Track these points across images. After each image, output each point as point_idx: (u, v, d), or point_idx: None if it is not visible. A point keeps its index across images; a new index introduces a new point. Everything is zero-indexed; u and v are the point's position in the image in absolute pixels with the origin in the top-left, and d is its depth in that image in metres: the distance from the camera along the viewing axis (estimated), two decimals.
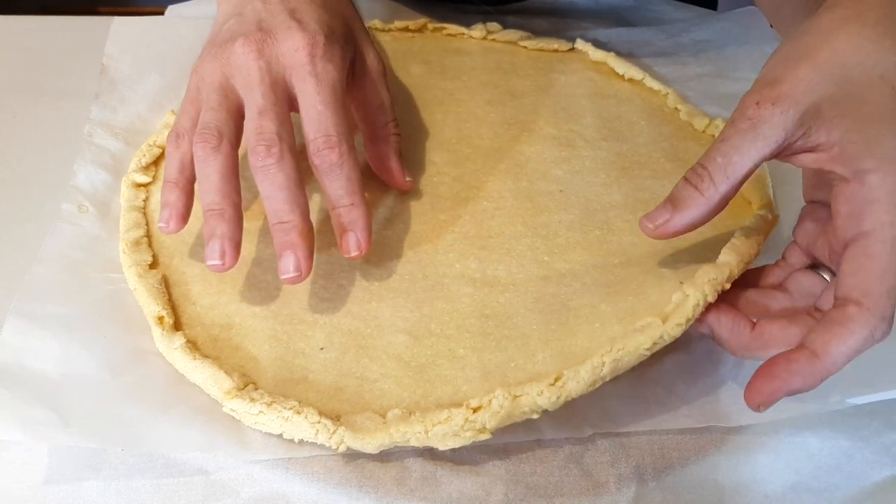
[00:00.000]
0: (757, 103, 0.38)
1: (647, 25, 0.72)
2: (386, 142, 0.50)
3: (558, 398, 0.38)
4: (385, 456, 0.40)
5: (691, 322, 0.40)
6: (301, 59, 0.44)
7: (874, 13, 0.38)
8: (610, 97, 0.62)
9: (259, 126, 0.42)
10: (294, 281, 0.42)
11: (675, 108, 0.61)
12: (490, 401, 0.38)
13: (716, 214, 0.40)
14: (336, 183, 0.43)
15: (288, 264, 0.42)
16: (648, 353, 0.39)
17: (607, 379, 0.39)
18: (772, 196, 0.50)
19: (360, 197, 0.44)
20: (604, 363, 0.39)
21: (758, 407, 0.37)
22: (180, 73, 0.60)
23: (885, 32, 0.37)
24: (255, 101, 0.43)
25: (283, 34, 0.44)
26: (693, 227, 0.40)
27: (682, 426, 0.42)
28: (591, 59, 0.66)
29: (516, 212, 0.51)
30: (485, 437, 0.38)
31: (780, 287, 0.42)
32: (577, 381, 0.38)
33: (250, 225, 0.49)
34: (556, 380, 0.39)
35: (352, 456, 0.40)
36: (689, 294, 0.40)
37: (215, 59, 0.44)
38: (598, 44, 0.66)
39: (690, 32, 0.70)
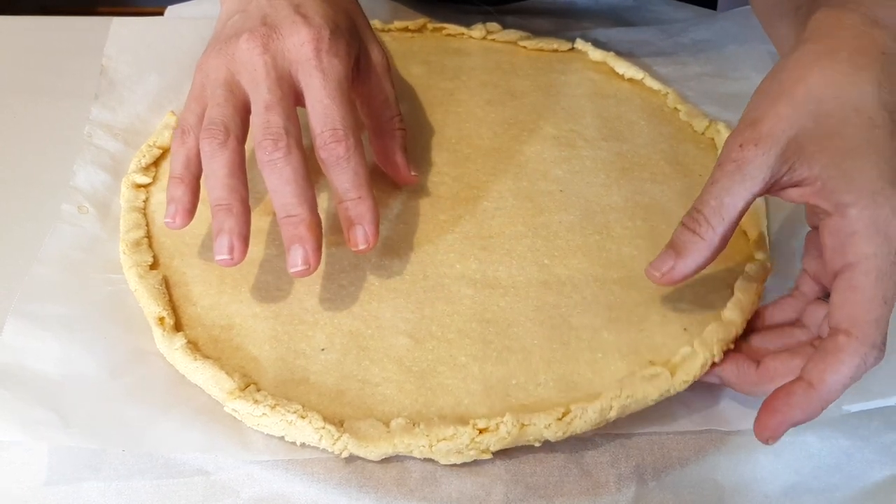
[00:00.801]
0: (741, 145, 0.39)
1: (646, 25, 0.72)
2: (391, 136, 0.50)
3: (564, 433, 0.39)
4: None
5: (697, 378, 0.41)
6: (307, 53, 0.44)
7: (847, 48, 0.39)
8: (610, 97, 0.62)
9: (266, 121, 0.42)
10: (302, 274, 0.42)
11: (675, 108, 0.61)
12: (498, 426, 0.39)
13: (718, 254, 0.41)
14: (343, 176, 0.43)
15: (296, 258, 0.41)
16: (654, 403, 0.41)
17: (611, 420, 0.40)
18: (765, 227, 0.50)
19: (368, 190, 0.44)
20: (612, 406, 0.40)
21: (767, 441, 0.38)
22: (180, 73, 0.60)
23: (858, 65, 0.38)
24: (262, 97, 0.43)
25: (288, 29, 0.44)
26: (698, 270, 0.41)
27: (682, 429, 0.42)
28: (591, 58, 0.66)
29: (516, 212, 0.52)
30: (487, 457, 0.39)
31: (797, 323, 0.43)
32: (584, 420, 0.39)
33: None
34: (565, 414, 0.40)
35: (352, 457, 0.40)
36: (699, 353, 0.42)
37: (220, 56, 0.44)
38: (597, 44, 0.66)
39: (690, 32, 0.70)
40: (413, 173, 0.51)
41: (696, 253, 0.40)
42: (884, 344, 0.37)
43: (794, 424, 0.37)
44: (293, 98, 0.44)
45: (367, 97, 0.50)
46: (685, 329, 0.44)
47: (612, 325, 0.45)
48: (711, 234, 0.40)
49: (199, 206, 0.50)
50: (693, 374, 0.41)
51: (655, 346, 0.43)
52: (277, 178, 0.42)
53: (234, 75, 0.44)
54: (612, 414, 0.40)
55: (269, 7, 0.45)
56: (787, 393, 0.37)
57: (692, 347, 0.42)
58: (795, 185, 0.39)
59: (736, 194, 0.39)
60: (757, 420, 0.38)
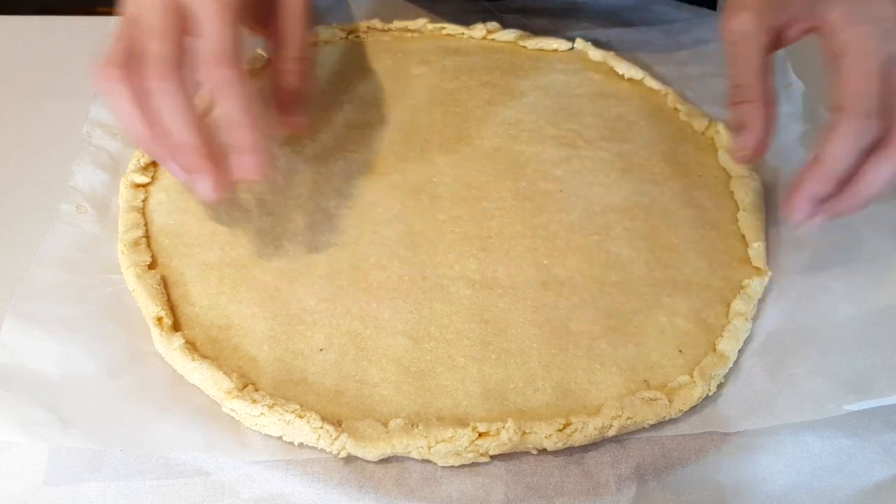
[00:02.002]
0: (730, 18, 0.46)
1: (646, 25, 0.72)
2: (281, 76, 0.49)
3: (563, 444, 0.40)
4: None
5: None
6: None
7: None
8: (610, 97, 0.62)
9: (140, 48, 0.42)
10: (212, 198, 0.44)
11: (675, 108, 0.61)
12: (499, 431, 0.39)
13: (773, 109, 0.46)
14: (229, 102, 0.42)
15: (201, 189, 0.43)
16: (650, 425, 0.41)
17: (608, 437, 0.41)
18: (764, 239, 0.51)
19: (258, 118, 0.43)
20: (612, 425, 0.40)
21: (796, 218, 0.44)
22: None
23: None
24: (150, 23, 0.42)
25: None
26: (771, 129, 0.46)
27: (682, 433, 0.42)
28: (591, 58, 0.66)
29: (516, 212, 0.51)
30: (485, 460, 0.39)
31: None
32: (584, 434, 0.40)
33: (249, 225, 0.49)
34: (565, 426, 0.40)
35: (351, 457, 0.40)
36: (697, 384, 0.42)
37: None
38: (597, 43, 0.66)
39: (690, 32, 0.70)
40: (295, 120, 0.49)
41: (757, 112, 0.45)
42: (877, 114, 0.41)
43: (811, 197, 0.43)
44: (182, 23, 0.43)
45: (274, 36, 0.49)
46: (680, 351, 0.45)
47: (609, 334, 0.45)
48: (755, 93, 0.45)
49: (198, 206, 0.50)
50: (690, 404, 0.42)
51: (651, 364, 0.44)
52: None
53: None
54: (611, 431, 0.40)
55: None
56: (803, 172, 0.43)
57: (691, 377, 0.43)
58: (787, 25, 0.46)
59: (751, 54, 0.45)
60: (789, 204, 0.44)
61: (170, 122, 0.42)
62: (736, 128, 0.47)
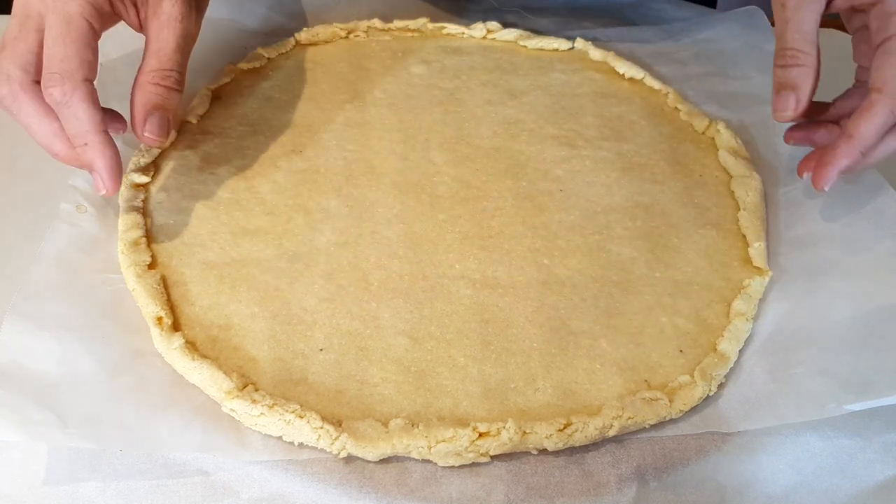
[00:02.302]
0: None
1: (647, 24, 0.72)
2: (142, 89, 0.47)
3: (564, 444, 0.40)
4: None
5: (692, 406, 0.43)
6: None
7: None
8: (610, 96, 0.62)
9: None
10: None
11: (676, 108, 0.61)
12: (499, 431, 0.39)
13: (818, 76, 0.47)
14: (67, 123, 0.43)
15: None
16: (650, 425, 0.41)
17: (609, 437, 0.41)
18: (765, 238, 0.51)
19: (95, 135, 0.43)
20: (612, 425, 0.40)
21: (822, 187, 0.47)
22: None
23: None
24: (7, 33, 0.43)
25: None
26: (814, 93, 0.47)
27: (682, 433, 0.42)
28: (592, 58, 0.66)
29: (516, 212, 0.51)
30: (485, 460, 0.39)
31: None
32: (584, 434, 0.40)
33: (249, 225, 0.49)
34: (566, 426, 0.40)
35: (351, 457, 0.40)
36: (698, 384, 0.42)
37: None
38: (598, 43, 0.66)
39: (691, 31, 0.70)
40: (147, 134, 0.47)
41: (808, 78, 0.47)
42: None
43: (842, 171, 0.46)
44: (35, 35, 0.43)
45: (146, 45, 0.47)
46: (681, 351, 0.44)
47: (610, 333, 0.45)
48: (810, 59, 0.47)
49: (198, 205, 0.50)
50: (691, 404, 0.42)
51: (652, 365, 0.44)
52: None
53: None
54: (612, 431, 0.40)
55: None
56: (834, 146, 0.46)
57: (691, 377, 0.43)
58: None
59: (809, 20, 0.46)
60: (814, 174, 0.47)
61: (34, 136, 0.44)
62: (781, 88, 0.47)
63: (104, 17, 0.45)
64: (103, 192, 0.44)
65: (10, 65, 0.43)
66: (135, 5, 0.46)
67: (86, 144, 0.43)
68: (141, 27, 0.48)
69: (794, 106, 0.47)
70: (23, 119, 0.43)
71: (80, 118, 0.43)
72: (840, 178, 0.47)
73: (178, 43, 0.47)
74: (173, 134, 0.54)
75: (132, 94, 0.47)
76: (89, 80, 0.43)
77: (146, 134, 0.46)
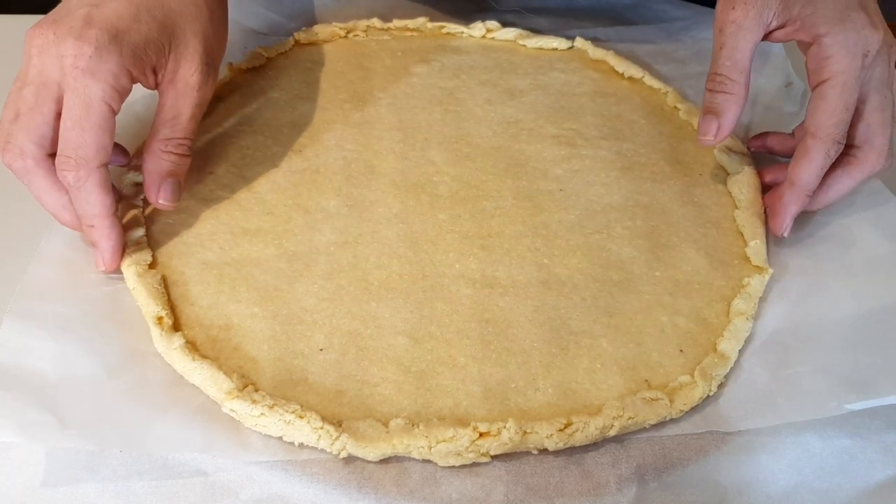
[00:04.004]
0: (733, 8, 0.47)
1: (646, 23, 0.72)
2: (155, 157, 0.46)
3: (564, 444, 0.40)
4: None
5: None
6: (64, 67, 0.42)
7: None
8: (610, 96, 0.62)
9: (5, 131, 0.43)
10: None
11: (675, 107, 0.61)
12: (500, 431, 0.39)
13: (745, 102, 0.49)
14: (77, 203, 0.44)
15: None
16: (650, 425, 0.41)
17: (609, 437, 0.41)
18: (763, 237, 0.51)
19: (103, 219, 0.44)
20: (613, 425, 0.40)
21: (781, 233, 0.49)
22: None
23: None
24: (21, 100, 0.43)
25: (63, 33, 0.42)
26: (737, 120, 0.49)
27: (682, 432, 0.42)
28: (591, 57, 0.66)
29: (516, 211, 0.51)
30: (486, 460, 0.39)
31: None
32: (585, 434, 0.40)
33: (249, 225, 0.49)
34: (566, 426, 0.40)
35: (351, 457, 0.39)
36: (699, 384, 0.42)
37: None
38: (597, 42, 0.66)
39: (690, 30, 0.70)
40: (162, 202, 0.47)
41: (732, 106, 0.48)
42: (843, 139, 0.47)
43: (793, 215, 0.49)
44: (52, 105, 0.43)
45: (159, 110, 0.47)
46: (681, 350, 0.44)
47: (610, 333, 0.45)
48: (737, 87, 0.48)
49: (198, 205, 0.50)
50: (691, 404, 0.42)
51: (652, 364, 0.44)
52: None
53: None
54: (612, 431, 0.40)
55: None
56: (779, 194, 0.49)
57: (692, 377, 0.43)
58: (780, 27, 0.48)
59: (743, 49, 0.47)
60: (769, 222, 0.50)
61: (44, 205, 0.45)
62: (706, 112, 0.49)
63: (124, 96, 0.44)
64: (102, 269, 0.45)
65: (25, 139, 0.43)
66: (154, 71, 0.46)
67: (92, 226, 0.44)
68: (156, 87, 0.47)
69: (714, 132, 0.49)
70: (34, 190, 0.44)
71: (92, 203, 0.43)
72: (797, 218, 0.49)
73: (193, 112, 0.47)
74: None
75: (144, 159, 0.47)
76: (104, 165, 0.43)
77: (161, 201, 0.47)
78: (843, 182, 0.49)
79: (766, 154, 0.56)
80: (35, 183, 0.44)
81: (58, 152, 0.43)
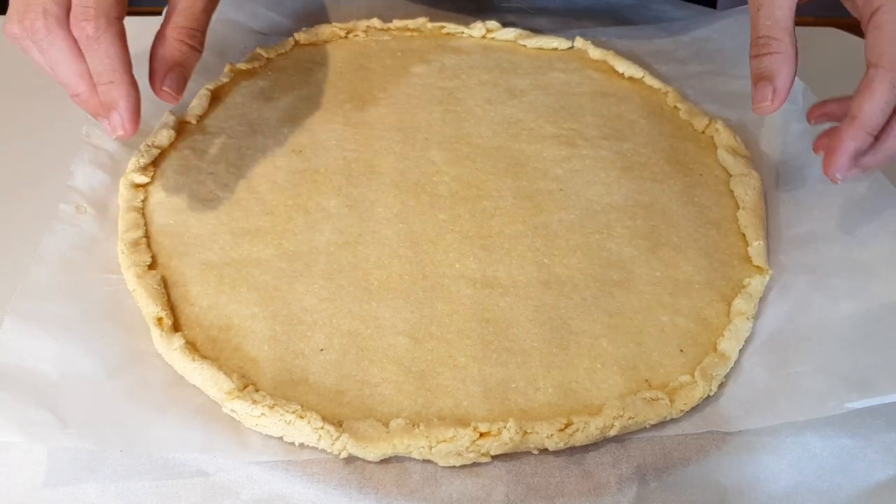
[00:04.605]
0: None
1: (646, 23, 0.72)
2: (166, 43, 0.47)
3: (565, 444, 0.40)
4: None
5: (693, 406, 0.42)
6: None
7: None
8: (610, 96, 0.62)
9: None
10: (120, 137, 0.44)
11: (675, 107, 0.61)
12: (500, 431, 0.39)
13: (796, 62, 0.45)
14: (95, 59, 0.42)
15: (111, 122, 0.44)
16: (651, 425, 0.41)
17: (610, 437, 0.41)
18: (765, 237, 0.51)
19: (123, 75, 0.43)
20: (613, 425, 0.40)
21: (835, 176, 0.45)
22: None
23: None
24: None
25: None
26: (792, 81, 0.46)
27: (683, 432, 0.42)
28: (591, 57, 0.66)
29: (516, 211, 0.51)
30: (486, 460, 0.39)
31: None
32: (585, 434, 0.40)
33: (249, 225, 0.49)
34: (567, 426, 0.40)
35: (351, 457, 0.39)
36: (699, 384, 0.42)
37: None
38: (597, 42, 0.66)
39: (690, 30, 0.70)
40: (166, 89, 0.47)
41: (783, 66, 0.45)
42: None
43: (851, 155, 0.44)
44: None
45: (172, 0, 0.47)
46: (682, 350, 0.44)
47: (610, 332, 0.45)
48: (784, 46, 0.45)
49: (198, 205, 0.50)
50: (692, 404, 0.42)
51: (652, 364, 0.44)
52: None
53: None
54: (613, 431, 0.40)
55: None
56: (838, 130, 0.44)
57: (692, 377, 0.43)
58: None
59: (782, 5, 0.45)
60: (824, 163, 0.45)
61: (58, 74, 0.43)
62: (758, 79, 0.46)
63: None
64: (120, 133, 0.43)
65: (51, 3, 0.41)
66: None
67: (111, 82, 0.43)
68: None
69: (770, 96, 0.46)
70: (52, 55, 0.42)
71: (111, 56, 0.42)
72: (859, 171, 0.45)
73: (206, 4, 0.47)
74: (172, 133, 0.54)
75: (153, 47, 0.46)
76: (121, 19, 0.43)
77: (164, 89, 0.46)
78: None
79: (825, 122, 0.51)
80: (55, 44, 0.42)
81: (74, 5, 0.42)
